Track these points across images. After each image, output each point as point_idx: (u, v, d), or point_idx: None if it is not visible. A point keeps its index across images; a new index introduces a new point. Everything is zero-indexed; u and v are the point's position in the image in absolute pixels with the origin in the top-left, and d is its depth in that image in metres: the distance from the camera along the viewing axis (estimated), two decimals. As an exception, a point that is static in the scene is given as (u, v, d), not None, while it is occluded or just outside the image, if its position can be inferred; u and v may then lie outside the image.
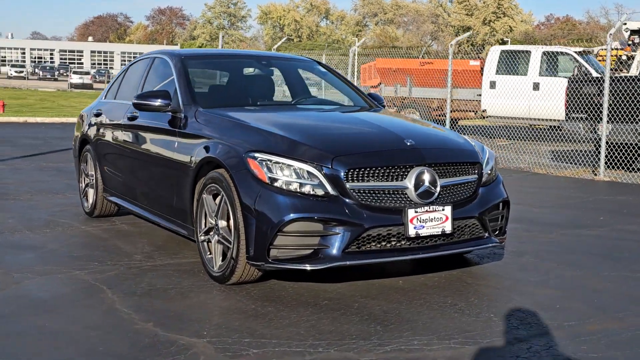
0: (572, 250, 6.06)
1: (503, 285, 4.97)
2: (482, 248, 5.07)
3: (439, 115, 17.74)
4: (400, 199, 4.62)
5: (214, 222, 4.91)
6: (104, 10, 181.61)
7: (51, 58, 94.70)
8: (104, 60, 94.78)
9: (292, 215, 4.43)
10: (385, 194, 4.61)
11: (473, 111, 17.77)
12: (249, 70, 6.65)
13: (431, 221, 4.66)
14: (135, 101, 5.70)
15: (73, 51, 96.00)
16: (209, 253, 5.00)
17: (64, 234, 6.39)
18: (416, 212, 4.60)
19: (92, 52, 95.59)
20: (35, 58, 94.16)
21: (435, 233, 4.68)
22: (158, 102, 5.60)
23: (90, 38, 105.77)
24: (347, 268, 5.01)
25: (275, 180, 4.54)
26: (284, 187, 4.52)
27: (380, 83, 18.95)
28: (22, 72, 62.61)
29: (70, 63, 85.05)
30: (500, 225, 5.23)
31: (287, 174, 4.55)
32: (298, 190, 4.51)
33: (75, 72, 58.20)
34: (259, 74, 6.68)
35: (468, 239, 4.93)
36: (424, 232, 4.63)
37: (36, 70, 70.44)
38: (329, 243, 4.46)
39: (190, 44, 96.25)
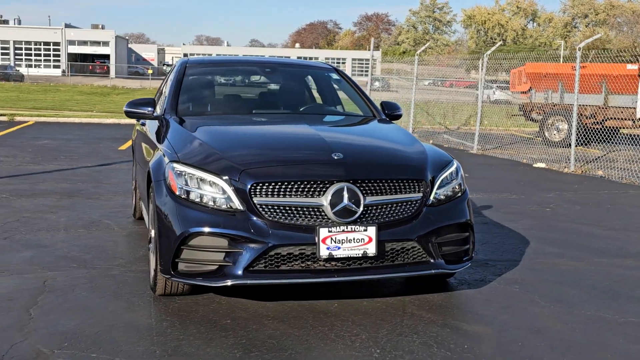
0: (577, 284, 5.28)
1: (440, 319, 4.41)
2: (424, 275, 4.54)
3: (593, 124, 16.35)
4: (315, 216, 4.28)
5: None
6: (316, 18, 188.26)
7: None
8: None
9: (195, 229, 4.27)
10: (298, 211, 4.29)
11: (631, 120, 16.14)
12: (255, 78, 6.52)
13: (349, 242, 4.27)
14: (125, 109, 5.80)
15: (281, 57, 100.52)
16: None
17: (88, 235, 6.63)
18: (330, 231, 4.24)
19: (298, 57, 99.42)
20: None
21: (355, 255, 4.28)
22: (143, 110, 5.66)
23: (297, 45, 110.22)
24: (300, 286, 4.78)
25: (188, 192, 4.40)
26: (196, 200, 4.37)
27: (531, 88, 17.82)
28: None
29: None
30: (463, 249, 4.68)
31: (200, 186, 4.39)
32: (207, 203, 4.34)
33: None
34: (261, 82, 6.52)
35: (405, 264, 4.44)
36: (339, 253, 4.25)
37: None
38: (232, 260, 4.25)
39: (395, 50, 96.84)
